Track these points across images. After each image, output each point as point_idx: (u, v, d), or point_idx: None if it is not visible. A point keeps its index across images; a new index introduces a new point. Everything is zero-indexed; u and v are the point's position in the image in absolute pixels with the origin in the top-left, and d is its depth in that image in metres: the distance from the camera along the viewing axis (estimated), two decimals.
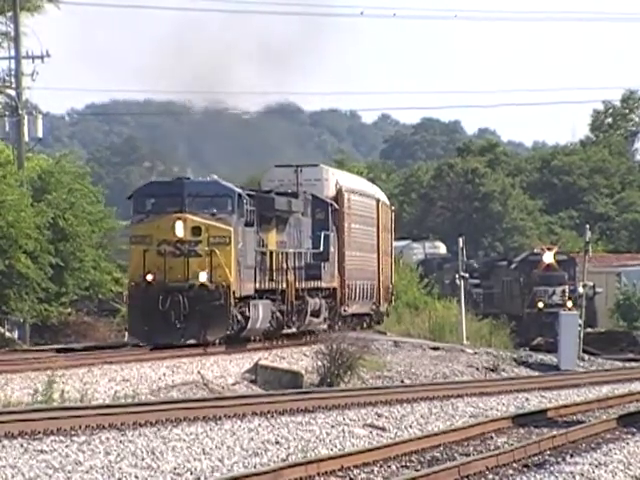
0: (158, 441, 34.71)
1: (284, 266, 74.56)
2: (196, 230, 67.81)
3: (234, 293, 67.70)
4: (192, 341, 65.60)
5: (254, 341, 71.54)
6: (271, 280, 73.53)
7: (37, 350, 70.28)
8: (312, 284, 78.82)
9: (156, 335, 65.48)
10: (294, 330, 75.14)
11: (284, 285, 75.33)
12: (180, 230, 67.09)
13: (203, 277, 67.07)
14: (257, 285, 71.82)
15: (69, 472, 27.09)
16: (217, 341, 66.76)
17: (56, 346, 71.66)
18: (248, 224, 70.31)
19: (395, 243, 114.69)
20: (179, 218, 67.65)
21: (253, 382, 61.59)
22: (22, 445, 31.86)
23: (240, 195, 70.64)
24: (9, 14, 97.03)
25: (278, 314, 73.93)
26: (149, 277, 67.08)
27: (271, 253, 73.89)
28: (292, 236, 77.57)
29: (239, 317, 68.88)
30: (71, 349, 68.17)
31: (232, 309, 67.27)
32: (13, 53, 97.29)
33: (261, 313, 71.59)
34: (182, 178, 74.37)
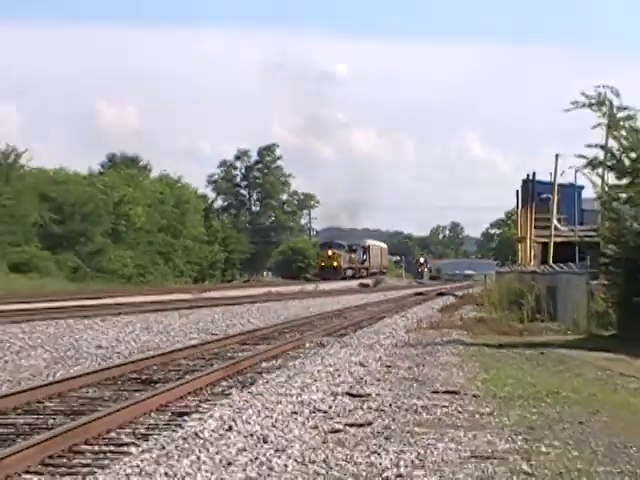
0: (310, 302, 68.97)
1: (355, 262, 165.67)
2: (333, 253, 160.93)
3: (343, 268, 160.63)
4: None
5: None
6: (352, 265, 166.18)
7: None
8: (362, 266, 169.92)
9: (325, 277, 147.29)
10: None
11: (356, 267, 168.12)
12: (330, 253, 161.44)
13: (335, 264, 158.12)
14: (348, 266, 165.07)
15: (307, 307, 60.02)
16: (338, 279, 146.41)
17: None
18: (347, 252, 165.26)
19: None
20: (329, 249, 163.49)
21: (360, 286, 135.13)
22: (296, 300, 71.28)
23: (344, 246, 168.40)
24: None
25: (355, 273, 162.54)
26: (322, 264, 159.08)
27: (353, 258, 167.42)
28: (357, 255, 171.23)
29: (344, 274, 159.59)
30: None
31: (342, 272, 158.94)
32: None
33: (350, 273, 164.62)
34: (332, 241, 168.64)
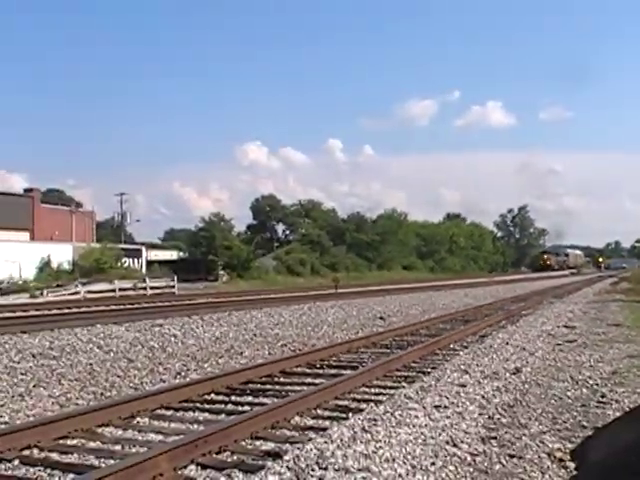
0: (543, 282, 58.47)
1: (559, 262, 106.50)
2: (547, 257, 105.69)
3: (552, 265, 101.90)
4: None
5: None
6: (557, 263, 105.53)
7: None
8: (563, 263, 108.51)
9: (542, 270, 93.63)
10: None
11: (559, 264, 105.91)
12: (545, 256, 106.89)
13: (548, 263, 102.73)
14: (555, 264, 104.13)
15: (542, 285, 52.90)
16: (549, 271, 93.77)
17: None
18: (554, 256, 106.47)
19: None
20: (544, 254, 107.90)
21: (570, 274, 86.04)
22: (536, 281, 65.33)
23: (552, 252, 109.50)
24: None
25: (559, 267, 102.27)
26: (541, 263, 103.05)
27: (558, 260, 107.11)
28: (560, 258, 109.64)
29: (553, 268, 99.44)
30: None
31: (551, 267, 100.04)
32: None
33: (556, 267, 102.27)
34: (545, 250, 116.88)
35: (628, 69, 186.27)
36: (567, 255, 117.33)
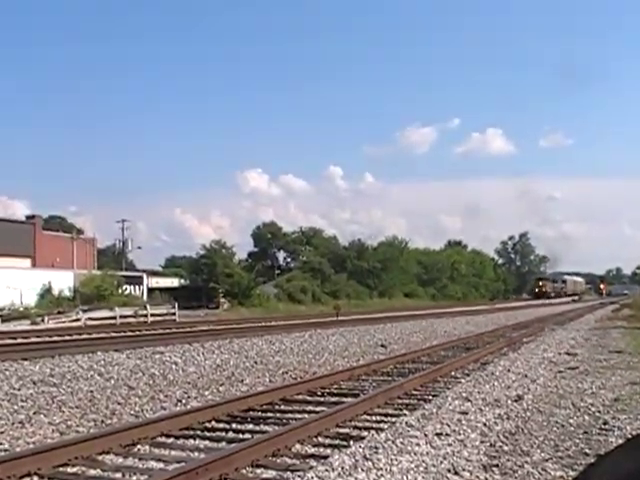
0: (544, 308, 61.12)
1: (556, 289, 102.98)
2: (543, 284, 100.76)
3: (548, 292, 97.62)
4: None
5: None
6: (554, 290, 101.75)
7: None
8: (561, 290, 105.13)
9: (537, 298, 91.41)
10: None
11: (556, 291, 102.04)
12: (540, 283, 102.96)
13: (543, 290, 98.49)
14: (552, 291, 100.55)
15: (544, 311, 61.46)
16: (545, 298, 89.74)
17: None
18: (551, 282, 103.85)
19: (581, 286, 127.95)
20: (540, 281, 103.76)
21: (571, 300, 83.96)
22: (539, 307, 67.24)
23: (549, 279, 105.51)
24: None
25: (556, 295, 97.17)
26: (537, 290, 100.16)
27: (554, 286, 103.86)
28: (558, 284, 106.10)
29: (549, 295, 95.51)
30: None
31: (547, 294, 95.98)
32: None
33: (553, 295, 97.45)
34: (541, 276, 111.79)
35: (628, 88, 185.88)
36: (565, 282, 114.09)
